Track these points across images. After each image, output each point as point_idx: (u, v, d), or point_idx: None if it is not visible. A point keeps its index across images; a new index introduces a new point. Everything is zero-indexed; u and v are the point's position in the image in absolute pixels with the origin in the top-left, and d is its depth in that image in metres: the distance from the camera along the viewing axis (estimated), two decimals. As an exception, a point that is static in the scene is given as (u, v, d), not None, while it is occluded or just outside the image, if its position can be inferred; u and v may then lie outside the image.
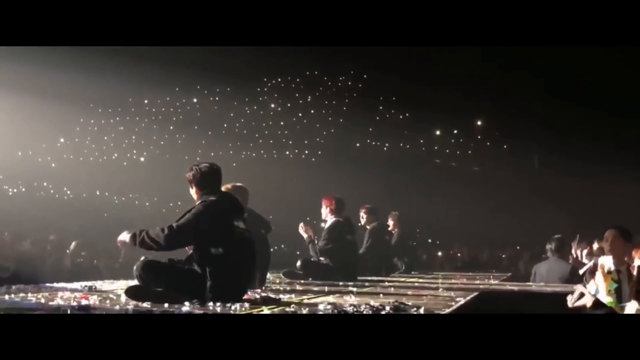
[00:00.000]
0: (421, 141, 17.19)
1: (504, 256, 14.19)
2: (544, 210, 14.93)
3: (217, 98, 16.22)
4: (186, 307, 4.15)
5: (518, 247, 14.37)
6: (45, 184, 14.80)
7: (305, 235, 7.93)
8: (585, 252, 8.58)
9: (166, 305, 4.23)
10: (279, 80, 16.67)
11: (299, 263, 7.77)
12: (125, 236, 4.76)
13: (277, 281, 7.22)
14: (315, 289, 6.21)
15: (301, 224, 7.94)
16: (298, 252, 9.03)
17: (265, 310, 4.04)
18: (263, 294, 5.23)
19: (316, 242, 7.87)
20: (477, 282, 7.87)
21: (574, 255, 8.57)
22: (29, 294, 4.96)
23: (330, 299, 5.07)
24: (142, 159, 15.63)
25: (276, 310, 4.19)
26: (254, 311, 4.07)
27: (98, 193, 14.95)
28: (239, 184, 6.14)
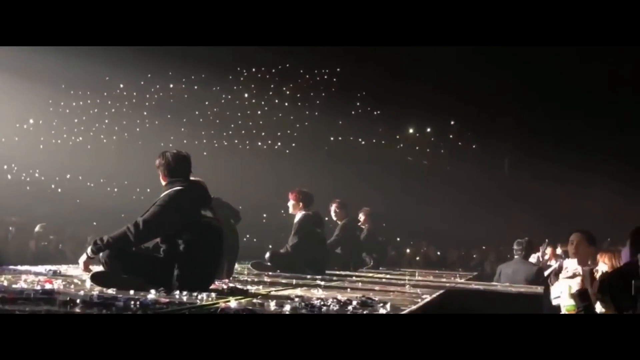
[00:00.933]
0: (396, 137, 17.26)
1: (474, 256, 14.34)
2: (512, 212, 15.13)
3: (191, 85, 16.08)
4: (152, 295, 4.11)
5: (484, 247, 14.53)
6: (13, 165, 14.53)
7: None
8: (548, 254, 8.72)
9: (132, 292, 4.19)
10: (254, 70, 16.58)
11: (267, 255, 7.76)
12: (84, 257, 4.69)
13: (245, 272, 7.19)
14: (283, 281, 6.21)
15: None
16: (270, 245, 9.01)
17: (232, 301, 4.02)
18: (230, 285, 5.21)
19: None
20: (444, 280, 7.94)
21: (540, 258, 8.70)
22: (-8, 276, 4.87)
23: (298, 291, 5.07)
24: (110, 144, 15.42)
25: (243, 301, 4.18)
26: (221, 301, 4.05)
27: (67, 177, 14.72)
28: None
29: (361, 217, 10.14)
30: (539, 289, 6.55)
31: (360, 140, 16.93)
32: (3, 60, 12.16)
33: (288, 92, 16.76)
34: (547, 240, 8.91)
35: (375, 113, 16.78)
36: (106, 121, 15.52)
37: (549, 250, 8.75)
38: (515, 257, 8.13)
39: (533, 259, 8.48)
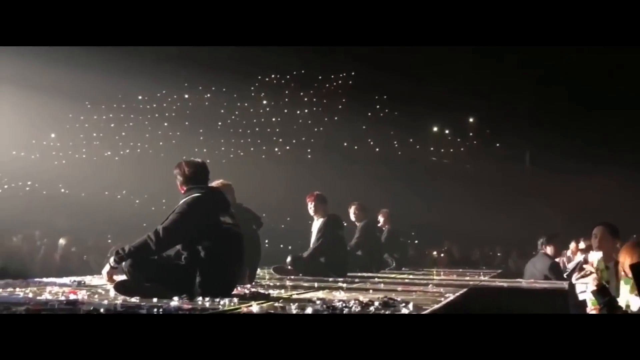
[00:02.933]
0: (413, 139, 17.22)
1: (498, 254, 14.25)
2: (534, 208, 15.01)
3: (208, 95, 16.20)
4: (175, 302, 4.14)
5: (508, 245, 14.43)
6: (35, 180, 14.72)
7: None
8: (571, 248, 8.65)
9: (155, 300, 4.22)
10: (271, 77, 16.66)
11: (288, 259, 7.78)
12: (107, 267, 4.72)
13: (267, 277, 7.21)
14: (305, 284, 6.21)
15: None
16: (290, 247, 9.05)
17: (254, 306, 4.03)
18: (252, 289, 5.23)
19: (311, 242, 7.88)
20: (467, 278, 7.89)
21: (568, 254, 8.64)
22: (17, 289, 4.94)
23: (320, 294, 5.07)
24: (131, 155, 15.57)
25: (265, 305, 4.19)
26: (243, 306, 4.06)
27: (89, 190, 14.88)
28: (224, 181, 6.14)
29: (380, 218, 10.14)
30: (564, 284, 6.49)
31: (379, 142, 16.93)
32: (22, 76, 12.36)
33: (305, 98, 16.81)
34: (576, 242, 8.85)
35: (391, 115, 16.76)
36: (123, 133, 15.69)
37: (572, 245, 8.67)
38: (539, 252, 8.10)
39: (564, 255, 8.45)
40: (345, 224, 8.39)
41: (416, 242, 14.81)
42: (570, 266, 7.60)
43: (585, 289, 5.41)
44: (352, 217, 9.33)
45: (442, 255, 13.97)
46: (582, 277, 4.59)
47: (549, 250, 8.00)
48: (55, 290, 4.85)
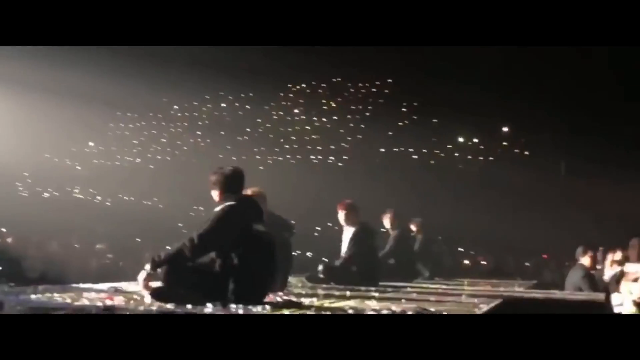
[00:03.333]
0: (446, 147, 17.12)
1: (532, 264, 14.06)
2: (570, 218, 14.78)
3: (243, 104, 16.36)
4: (208, 309, 4.19)
5: (544, 255, 14.23)
6: (73, 187, 15.02)
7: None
8: (609, 260, 8.49)
9: (189, 306, 4.28)
10: (304, 86, 16.76)
11: (320, 267, 7.78)
12: (143, 274, 4.72)
13: (299, 285, 7.23)
14: (337, 293, 6.21)
15: None
16: (324, 258, 9.05)
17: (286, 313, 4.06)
18: (285, 297, 5.26)
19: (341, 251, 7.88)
20: (502, 289, 7.80)
21: (603, 265, 8.50)
22: (55, 294, 5.04)
23: (352, 303, 5.07)
24: (166, 163, 15.79)
25: (297, 313, 4.21)
26: (275, 314, 4.09)
27: (125, 196, 15.12)
28: (257, 189, 6.16)
29: (413, 227, 10.07)
30: (600, 296, 6.38)
31: (411, 150, 16.87)
32: (66, 87, 12.65)
33: (337, 106, 16.86)
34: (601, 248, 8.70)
35: (425, 123, 16.69)
36: (163, 140, 15.93)
37: (608, 256, 8.52)
38: (577, 263, 7.97)
39: (601, 266, 8.31)
40: (377, 232, 8.36)
41: (450, 251, 14.69)
42: (606, 278, 7.48)
43: (621, 301, 5.33)
44: (387, 225, 9.30)
45: (476, 265, 13.84)
46: (634, 281, 4.52)
47: (585, 261, 7.87)
48: (93, 296, 4.94)
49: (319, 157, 16.53)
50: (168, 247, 4.80)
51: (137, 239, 12.44)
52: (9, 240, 8.13)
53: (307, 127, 16.59)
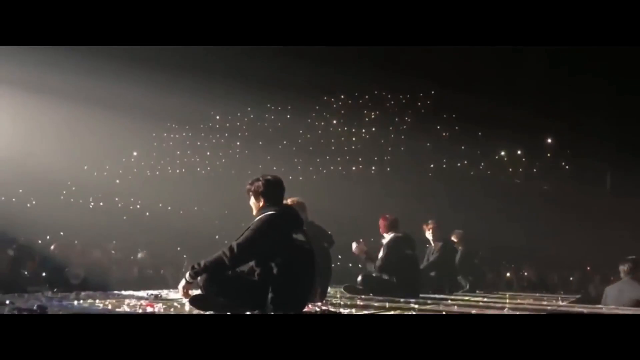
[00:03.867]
0: (488, 159, 16.92)
1: (576, 278, 13.75)
2: (615, 232, 14.41)
3: (285, 115, 16.47)
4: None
5: (588, 269, 13.91)
6: (115, 196, 15.27)
7: (360, 255, 7.90)
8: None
9: (228, 314, 4.28)
10: (343, 97, 16.80)
11: (359, 278, 7.74)
12: (183, 282, 4.74)
13: (338, 295, 7.20)
14: (376, 304, 6.16)
15: (354, 244, 7.89)
16: (360, 266, 9.00)
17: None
18: (323, 307, 5.23)
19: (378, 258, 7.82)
20: (545, 303, 7.64)
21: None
22: (97, 301, 5.10)
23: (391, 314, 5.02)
24: (210, 172, 15.98)
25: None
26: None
27: (165, 205, 15.30)
28: (297, 199, 6.16)
29: (454, 239, 9.96)
30: (648, 311, 6.20)
31: (453, 162, 16.72)
32: (112, 96, 12.92)
33: (376, 117, 16.84)
34: None
35: (467, 134, 16.53)
36: (207, 153, 16.13)
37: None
38: (622, 277, 7.70)
39: None
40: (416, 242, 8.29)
41: (492, 263, 14.47)
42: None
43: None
44: (428, 236, 9.22)
45: (518, 278, 13.60)
46: None
47: (638, 276, 7.63)
48: (133, 303, 4.99)
49: (360, 166, 16.51)
50: (208, 256, 4.82)
51: (178, 248, 12.56)
52: (53, 247, 8.27)
53: (348, 138, 16.62)
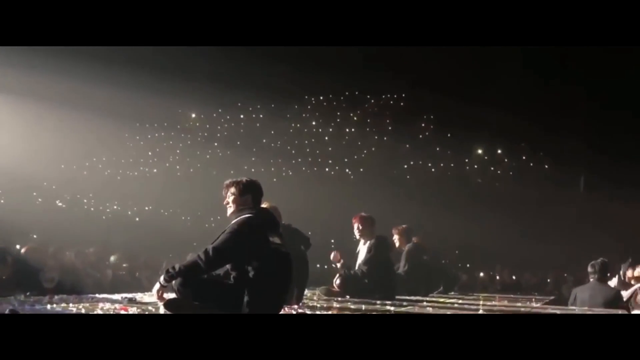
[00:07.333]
0: (460, 161, 17.03)
1: (549, 280, 13.90)
2: (589, 234, 14.59)
3: (259, 115, 16.40)
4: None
5: (562, 272, 14.07)
6: (89, 197, 15.11)
7: (338, 264, 7.89)
8: (629, 275, 8.35)
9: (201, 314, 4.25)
10: (321, 98, 16.78)
11: (337, 280, 7.74)
12: (157, 285, 4.68)
13: (315, 298, 7.20)
14: (353, 306, 6.18)
15: (332, 253, 7.89)
16: (336, 266, 8.99)
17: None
18: (300, 310, 5.23)
19: (357, 264, 7.82)
20: (519, 304, 7.72)
21: (622, 278, 8.34)
22: (71, 304, 5.05)
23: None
24: (183, 174, 15.87)
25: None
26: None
27: (141, 208, 15.18)
28: (270, 204, 6.11)
29: (415, 240, 9.86)
30: (620, 313, 6.29)
31: (428, 164, 16.80)
32: (82, 97, 12.78)
33: (355, 118, 16.86)
34: (630, 259, 8.52)
35: (441, 136, 16.62)
36: (178, 151, 16.01)
37: (629, 272, 8.38)
38: (591, 280, 7.75)
39: (613, 281, 8.12)
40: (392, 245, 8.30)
41: (466, 265, 14.58)
42: (625, 294, 7.35)
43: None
44: (396, 243, 9.10)
45: (492, 280, 13.72)
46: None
47: (607, 278, 7.73)
48: (107, 306, 4.94)
49: (336, 167, 16.51)
50: (184, 259, 4.78)
51: (153, 251, 12.46)
52: (25, 250, 8.14)
53: (324, 139, 16.60)
